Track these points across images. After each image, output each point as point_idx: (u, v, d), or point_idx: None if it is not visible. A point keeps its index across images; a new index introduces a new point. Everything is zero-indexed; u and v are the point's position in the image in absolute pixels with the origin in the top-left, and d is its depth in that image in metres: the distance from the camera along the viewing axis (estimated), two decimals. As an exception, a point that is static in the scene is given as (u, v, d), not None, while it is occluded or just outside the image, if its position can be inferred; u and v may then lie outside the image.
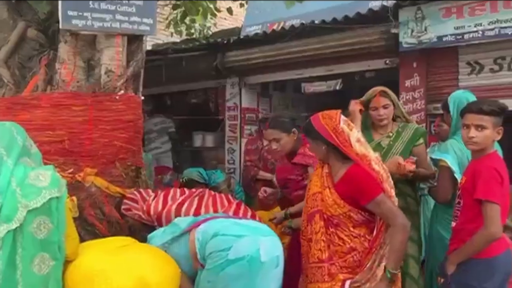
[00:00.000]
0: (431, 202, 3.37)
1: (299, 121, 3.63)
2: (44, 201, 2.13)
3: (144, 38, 3.65)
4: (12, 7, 3.42)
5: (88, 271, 2.30)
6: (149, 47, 6.34)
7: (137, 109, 3.49)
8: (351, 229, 2.46)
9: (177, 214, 2.91)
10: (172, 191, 3.13)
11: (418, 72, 4.73)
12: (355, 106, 3.22)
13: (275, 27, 6.31)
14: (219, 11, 6.33)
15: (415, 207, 3.21)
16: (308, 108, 6.88)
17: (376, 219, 2.47)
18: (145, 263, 2.39)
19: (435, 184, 3.07)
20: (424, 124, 4.63)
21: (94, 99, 3.25)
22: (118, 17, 3.33)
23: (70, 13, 3.14)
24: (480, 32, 4.20)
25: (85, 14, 3.19)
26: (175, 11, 6.61)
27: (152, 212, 2.96)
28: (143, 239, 2.81)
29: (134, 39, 3.55)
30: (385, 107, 3.16)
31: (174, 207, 2.95)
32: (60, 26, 3.17)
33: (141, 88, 3.70)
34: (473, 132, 2.41)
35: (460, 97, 3.06)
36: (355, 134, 2.53)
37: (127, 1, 3.35)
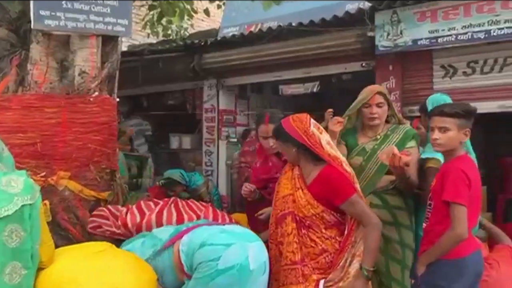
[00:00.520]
0: None
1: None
2: (16, 208, 2.06)
3: (119, 39, 3.61)
4: (-19, 6, 3.33)
5: (58, 279, 2.23)
6: (125, 48, 6.28)
7: (111, 111, 3.44)
8: (323, 230, 2.48)
9: (159, 223, 2.87)
10: (143, 203, 3.09)
11: (394, 75, 4.78)
12: (334, 127, 2.93)
13: (252, 28, 6.31)
14: (196, 12, 6.31)
15: (404, 220, 2.89)
16: (286, 110, 6.81)
17: (347, 221, 2.49)
18: (119, 271, 2.34)
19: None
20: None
21: (68, 101, 3.20)
22: (92, 17, 3.28)
23: (42, 12, 3.09)
24: (454, 36, 4.27)
25: (58, 14, 3.13)
26: (151, 12, 6.55)
27: (130, 225, 2.90)
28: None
29: (109, 40, 3.50)
30: (379, 105, 2.95)
31: (153, 216, 2.91)
32: (32, 26, 3.12)
33: (116, 90, 3.65)
34: (436, 134, 2.45)
35: (438, 99, 3.09)
36: (325, 137, 2.56)
37: (101, 1, 3.31)
